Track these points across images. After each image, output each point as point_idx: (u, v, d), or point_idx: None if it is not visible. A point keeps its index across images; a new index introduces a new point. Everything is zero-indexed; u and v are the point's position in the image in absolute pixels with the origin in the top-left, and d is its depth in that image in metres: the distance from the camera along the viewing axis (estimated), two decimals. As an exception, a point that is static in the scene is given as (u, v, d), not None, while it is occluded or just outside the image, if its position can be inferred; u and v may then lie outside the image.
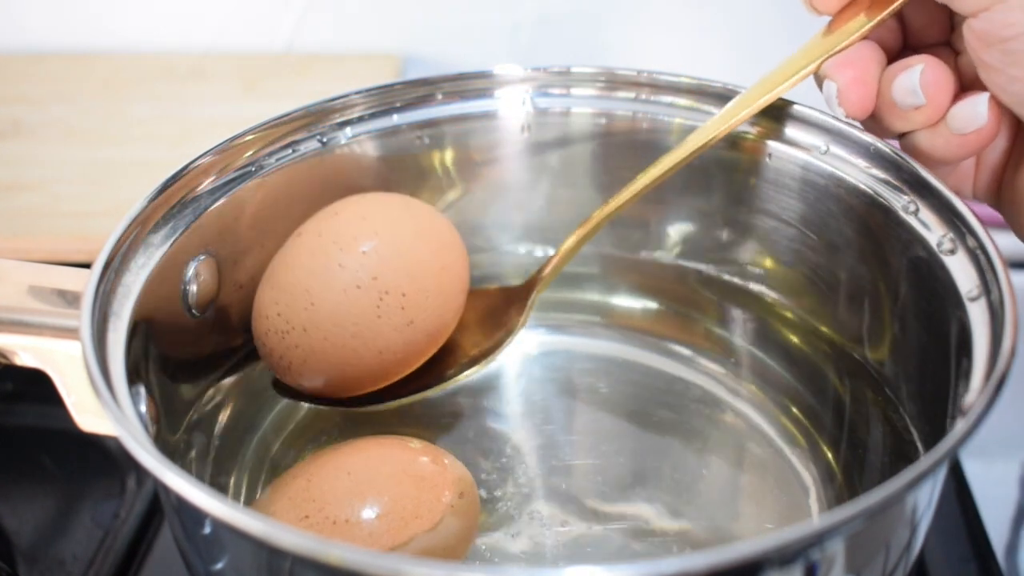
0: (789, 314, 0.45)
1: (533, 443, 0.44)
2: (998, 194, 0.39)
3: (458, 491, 0.37)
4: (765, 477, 0.42)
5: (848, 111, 0.38)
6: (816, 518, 0.40)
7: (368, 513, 0.35)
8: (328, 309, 0.39)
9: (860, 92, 0.37)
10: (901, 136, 0.39)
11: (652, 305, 0.49)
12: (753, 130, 0.43)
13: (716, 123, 0.41)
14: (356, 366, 0.40)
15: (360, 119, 0.44)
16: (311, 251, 0.40)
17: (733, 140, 0.43)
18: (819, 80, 0.39)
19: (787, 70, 0.39)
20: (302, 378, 0.40)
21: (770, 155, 0.43)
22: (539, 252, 0.49)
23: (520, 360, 0.47)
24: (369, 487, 0.36)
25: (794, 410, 0.44)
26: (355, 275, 0.39)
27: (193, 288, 0.39)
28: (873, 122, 0.38)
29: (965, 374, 0.32)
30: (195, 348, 0.40)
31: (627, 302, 0.49)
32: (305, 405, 0.44)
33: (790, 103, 0.42)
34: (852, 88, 0.37)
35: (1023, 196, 0.38)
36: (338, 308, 0.39)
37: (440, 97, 0.45)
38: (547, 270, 0.44)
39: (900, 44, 0.39)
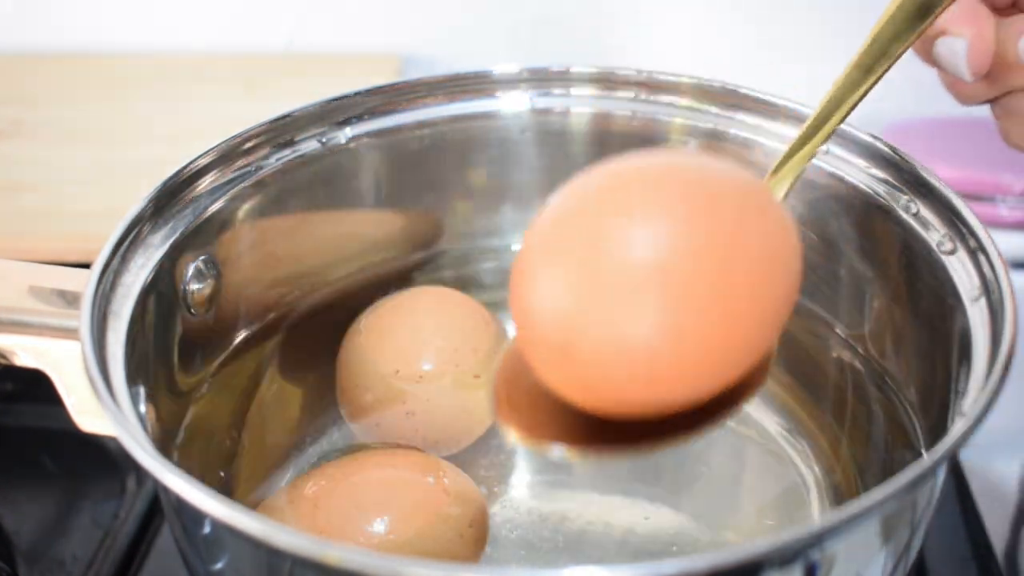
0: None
1: (533, 442, 0.43)
2: None
3: (468, 521, 0.37)
4: (765, 474, 0.42)
5: (976, 69, 0.35)
6: (816, 516, 0.40)
7: (374, 549, 0.35)
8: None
9: (984, 48, 0.35)
10: (995, 99, 0.36)
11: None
12: (752, 130, 0.43)
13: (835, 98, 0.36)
14: None
15: (360, 119, 0.44)
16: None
17: (732, 140, 0.43)
18: (929, 41, 0.36)
19: (891, 27, 0.35)
20: None
21: (769, 155, 0.43)
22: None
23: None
24: (380, 522, 0.36)
25: (795, 407, 0.44)
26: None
27: (193, 288, 0.39)
28: (967, 86, 0.36)
29: (965, 374, 0.32)
30: (194, 348, 0.40)
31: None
32: (301, 401, 0.44)
33: (788, 103, 0.42)
34: (979, 44, 0.35)
35: None
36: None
37: (440, 97, 0.45)
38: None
39: None
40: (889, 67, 0.35)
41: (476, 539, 0.37)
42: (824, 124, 0.36)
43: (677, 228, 0.29)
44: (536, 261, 0.31)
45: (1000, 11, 0.36)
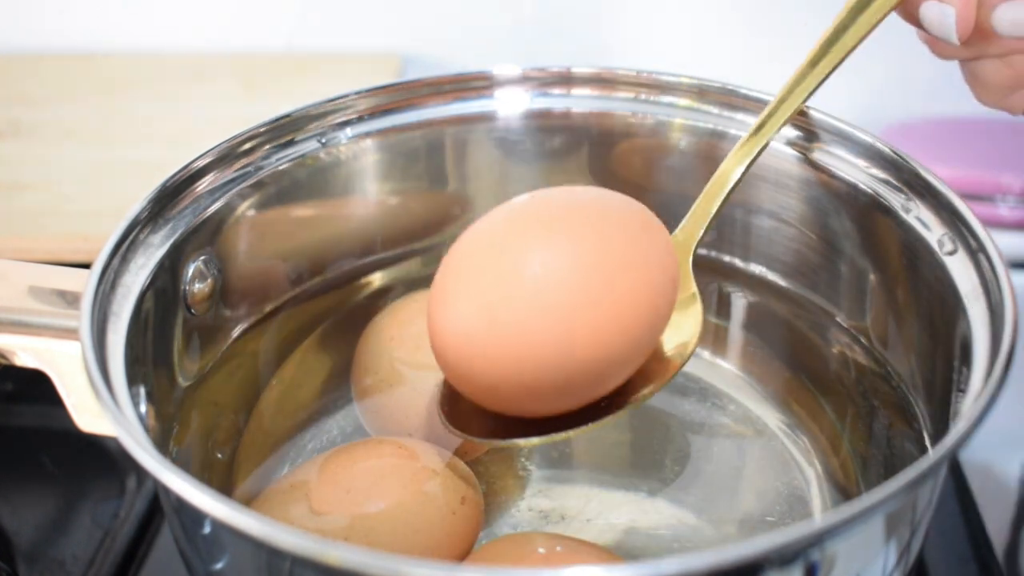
0: (790, 308, 0.45)
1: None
2: None
3: (459, 498, 0.37)
4: (766, 470, 0.42)
5: (963, 35, 0.35)
6: (817, 513, 0.40)
7: (368, 531, 0.35)
8: None
9: (970, 15, 0.35)
10: (968, 59, 0.37)
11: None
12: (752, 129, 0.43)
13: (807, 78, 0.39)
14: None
15: (360, 119, 0.44)
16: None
17: (732, 140, 0.43)
18: (911, 10, 0.36)
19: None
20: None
21: (768, 155, 0.43)
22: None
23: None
24: (368, 502, 0.36)
25: (795, 403, 0.44)
26: None
27: (193, 288, 0.39)
28: (946, 45, 0.37)
29: (965, 374, 0.32)
30: (195, 348, 0.40)
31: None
32: (300, 400, 0.44)
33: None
34: (965, 11, 0.35)
35: None
36: None
37: (440, 97, 0.45)
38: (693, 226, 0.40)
39: None
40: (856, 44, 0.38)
41: (471, 516, 0.37)
42: (792, 96, 0.39)
43: (564, 254, 0.34)
44: (444, 292, 0.35)
45: None
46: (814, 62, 0.39)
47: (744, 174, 0.40)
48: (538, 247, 0.34)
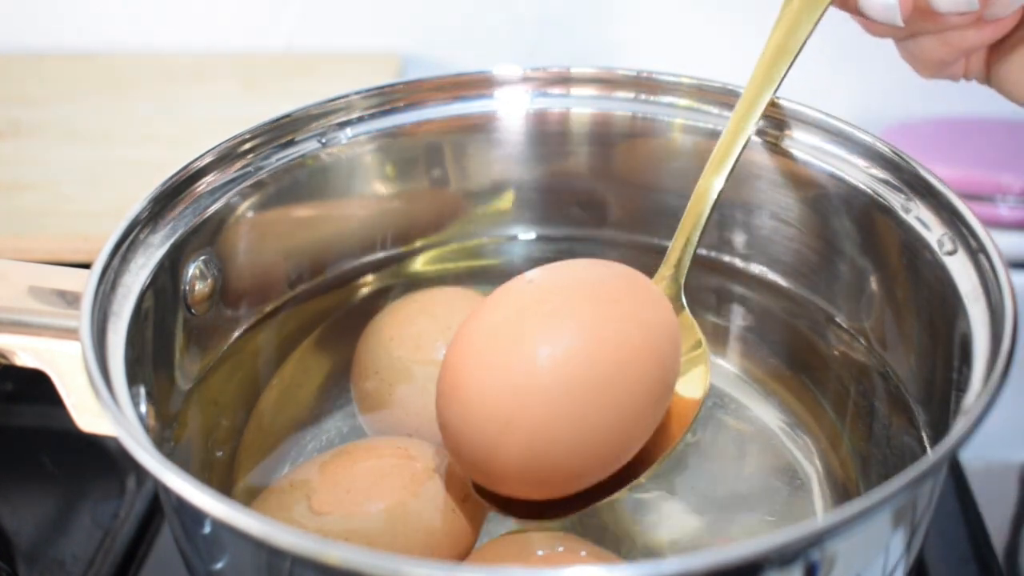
0: (790, 308, 0.45)
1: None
2: (988, 72, 0.40)
3: (459, 496, 0.37)
4: (766, 470, 0.42)
5: (906, 17, 0.36)
6: (818, 513, 0.40)
7: (367, 529, 0.35)
8: None
9: None
10: (903, 38, 0.38)
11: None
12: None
13: (758, 84, 0.40)
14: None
15: (360, 119, 0.44)
16: None
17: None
18: None
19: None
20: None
21: (769, 155, 0.43)
22: (542, 248, 0.49)
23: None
24: (368, 502, 0.36)
25: (795, 403, 0.44)
26: None
27: (193, 288, 0.39)
28: (880, 24, 0.38)
29: (965, 374, 0.32)
30: (195, 347, 0.40)
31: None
32: (300, 400, 0.44)
33: (789, 103, 0.42)
34: None
35: (1016, 70, 0.39)
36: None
37: (440, 97, 0.45)
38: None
39: None
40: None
41: (471, 516, 0.37)
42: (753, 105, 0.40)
43: (571, 344, 0.34)
44: (453, 391, 0.35)
45: None
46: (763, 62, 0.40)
47: (716, 204, 0.40)
48: (544, 340, 0.34)
